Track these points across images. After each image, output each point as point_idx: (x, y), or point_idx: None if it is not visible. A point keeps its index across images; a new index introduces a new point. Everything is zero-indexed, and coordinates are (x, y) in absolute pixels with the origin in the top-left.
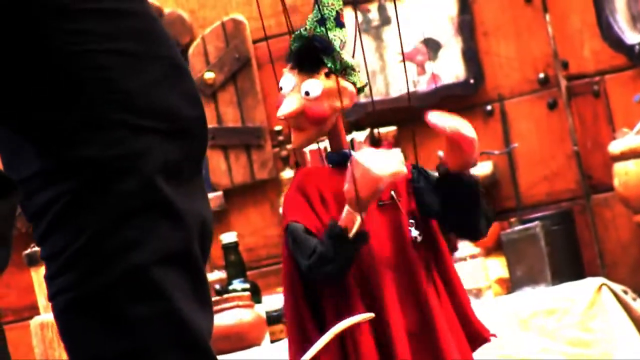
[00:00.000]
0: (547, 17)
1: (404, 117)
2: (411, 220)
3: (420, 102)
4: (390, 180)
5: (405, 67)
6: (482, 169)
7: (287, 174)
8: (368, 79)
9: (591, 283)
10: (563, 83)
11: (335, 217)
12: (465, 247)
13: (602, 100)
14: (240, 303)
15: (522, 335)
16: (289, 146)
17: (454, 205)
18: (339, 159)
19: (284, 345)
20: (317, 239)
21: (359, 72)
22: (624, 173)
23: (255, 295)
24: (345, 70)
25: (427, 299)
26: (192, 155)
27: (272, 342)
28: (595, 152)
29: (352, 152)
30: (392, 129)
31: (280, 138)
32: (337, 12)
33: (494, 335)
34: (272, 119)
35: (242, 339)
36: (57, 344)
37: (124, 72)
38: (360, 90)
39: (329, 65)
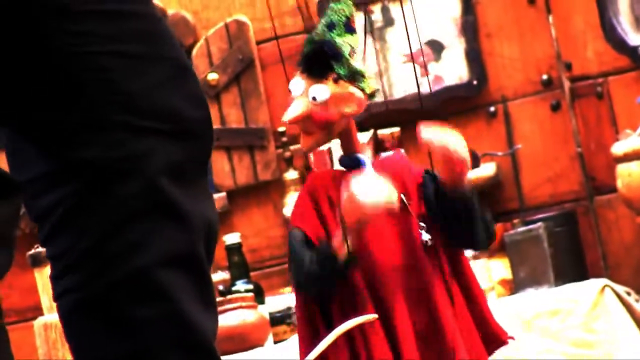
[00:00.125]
0: (550, 18)
1: (407, 119)
2: (422, 224)
3: (424, 103)
4: (374, 211)
5: (415, 68)
6: (485, 170)
7: (291, 175)
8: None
9: (594, 284)
10: (566, 84)
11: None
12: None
13: (606, 102)
14: (244, 304)
15: (525, 336)
16: (292, 147)
17: (450, 218)
18: (351, 163)
19: (287, 346)
20: (310, 254)
21: (369, 78)
22: (627, 174)
23: (259, 296)
24: (353, 76)
25: (437, 301)
26: (196, 157)
27: (275, 343)
28: (599, 154)
29: (352, 177)
30: (395, 130)
31: (284, 139)
32: (347, 17)
33: (512, 338)
34: (275, 120)
35: (245, 340)
36: (60, 344)
37: (126, 74)
38: (370, 96)
39: (337, 70)
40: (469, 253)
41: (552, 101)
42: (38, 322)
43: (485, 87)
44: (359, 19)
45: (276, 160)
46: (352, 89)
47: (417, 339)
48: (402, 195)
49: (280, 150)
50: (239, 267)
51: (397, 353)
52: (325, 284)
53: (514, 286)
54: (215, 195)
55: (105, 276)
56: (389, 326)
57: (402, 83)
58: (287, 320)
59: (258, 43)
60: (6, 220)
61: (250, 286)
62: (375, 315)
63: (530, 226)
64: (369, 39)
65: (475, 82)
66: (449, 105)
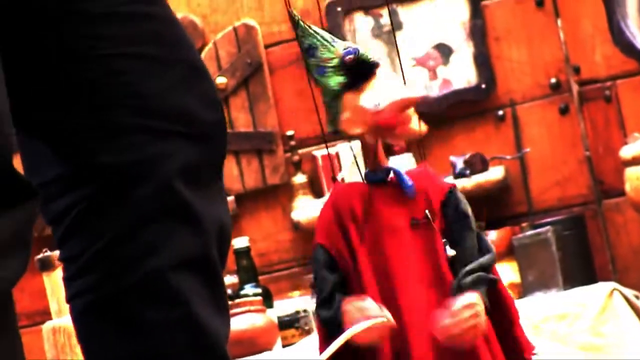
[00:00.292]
0: (559, 22)
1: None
2: (444, 240)
3: (433, 107)
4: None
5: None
6: (493, 173)
7: (299, 179)
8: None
9: (603, 288)
10: (575, 88)
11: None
12: None
13: (614, 106)
14: (252, 308)
15: (533, 339)
16: (300, 151)
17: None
18: (376, 178)
19: (296, 349)
20: (331, 282)
21: None
22: (635, 178)
23: (267, 300)
24: None
25: None
26: (210, 159)
27: (284, 346)
28: (607, 157)
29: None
30: None
31: (292, 143)
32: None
33: (534, 354)
34: (283, 124)
35: (253, 344)
36: (69, 348)
37: (141, 76)
38: None
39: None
40: None
41: (561, 105)
42: (47, 326)
43: (494, 90)
44: (367, 22)
45: (285, 164)
46: None
47: (436, 353)
48: (426, 211)
49: (289, 154)
50: (248, 271)
51: None
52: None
53: (523, 290)
54: None
55: (118, 278)
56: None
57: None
58: (296, 324)
59: (266, 47)
60: (23, 225)
61: (259, 290)
62: (384, 319)
63: (539, 230)
64: (379, 43)
65: (483, 86)
66: (457, 109)
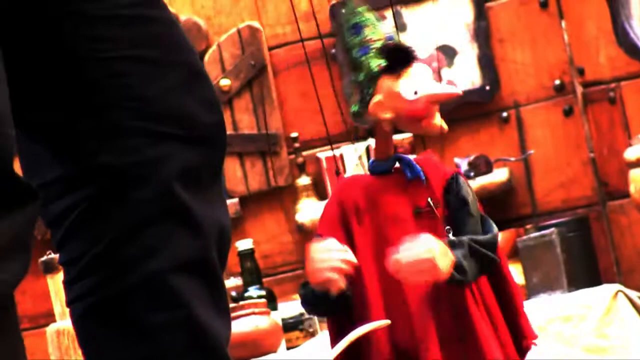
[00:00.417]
0: (563, 23)
1: None
2: (447, 228)
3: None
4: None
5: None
6: (498, 175)
7: (303, 181)
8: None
9: (607, 289)
10: (579, 90)
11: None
12: None
13: (618, 107)
14: (256, 310)
15: (538, 341)
16: (304, 153)
17: None
18: (381, 169)
19: (300, 352)
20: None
21: None
22: (639, 179)
23: (271, 302)
24: None
25: (463, 303)
26: (210, 162)
27: (288, 349)
28: (611, 159)
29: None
30: (407, 135)
31: (296, 145)
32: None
33: (534, 344)
34: (287, 125)
35: (258, 346)
36: (73, 351)
37: (142, 79)
38: None
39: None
40: None
41: (565, 106)
42: (50, 329)
43: (498, 92)
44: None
45: (289, 166)
46: None
47: (441, 342)
48: (429, 199)
49: (293, 156)
50: (252, 273)
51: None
52: (316, 312)
53: (527, 292)
54: (228, 201)
55: (118, 281)
56: (408, 331)
57: None
58: (300, 327)
59: (270, 49)
60: (23, 227)
61: (263, 292)
62: (388, 321)
63: (543, 232)
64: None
65: (487, 88)
66: (462, 111)
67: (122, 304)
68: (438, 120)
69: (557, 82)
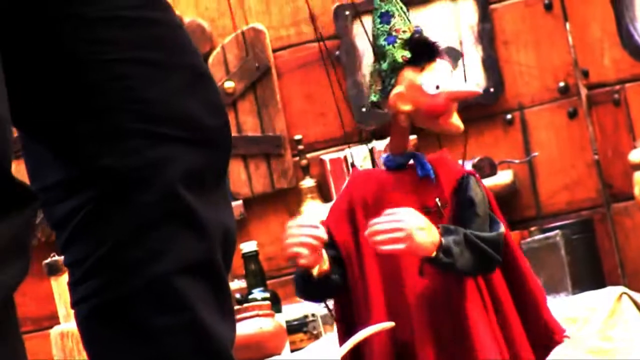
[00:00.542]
0: (568, 25)
1: None
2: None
3: None
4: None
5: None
6: (502, 177)
7: (307, 183)
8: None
9: (611, 292)
10: (583, 92)
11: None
12: None
13: (623, 109)
14: (260, 312)
15: None
16: (309, 155)
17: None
18: (395, 164)
19: (304, 354)
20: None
21: None
22: None
23: (276, 304)
24: None
25: (464, 305)
26: (214, 164)
27: (292, 351)
28: (616, 161)
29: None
30: (412, 137)
31: (300, 147)
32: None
33: (566, 336)
34: (291, 127)
35: (262, 348)
36: (77, 353)
37: (144, 81)
38: None
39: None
40: None
41: (569, 108)
42: (54, 331)
43: (502, 94)
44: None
45: (293, 168)
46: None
47: (437, 344)
48: (437, 199)
49: (297, 158)
50: (256, 275)
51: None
52: (306, 297)
53: None
54: (232, 204)
55: (123, 283)
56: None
57: None
58: (304, 329)
59: (274, 51)
60: (21, 230)
61: (267, 294)
62: (392, 323)
63: (548, 234)
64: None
65: (492, 90)
66: (466, 113)
67: (127, 307)
68: (455, 119)
69: (562, 84)
